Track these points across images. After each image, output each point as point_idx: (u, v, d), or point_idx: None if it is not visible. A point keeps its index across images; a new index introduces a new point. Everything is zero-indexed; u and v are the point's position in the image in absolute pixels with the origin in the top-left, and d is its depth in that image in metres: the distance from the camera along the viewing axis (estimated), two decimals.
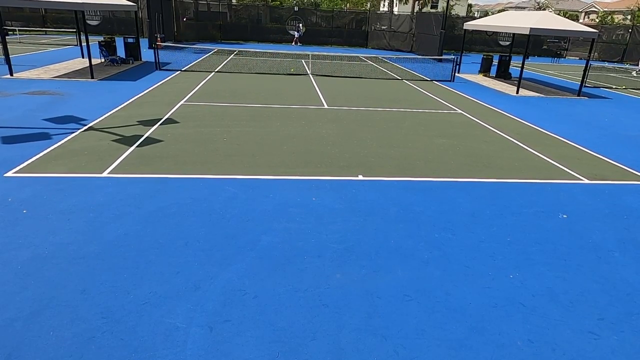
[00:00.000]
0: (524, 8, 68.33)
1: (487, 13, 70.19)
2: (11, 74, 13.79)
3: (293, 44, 33.37)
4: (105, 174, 6.57)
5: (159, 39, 20.37)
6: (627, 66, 25.32)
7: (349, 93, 14.58)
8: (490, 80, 19.92)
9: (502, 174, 7.64)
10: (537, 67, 27.18)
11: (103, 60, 17.58)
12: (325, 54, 26.10)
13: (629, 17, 47.78)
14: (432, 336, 3.66)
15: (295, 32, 33.68)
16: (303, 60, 22.68)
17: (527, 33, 15.58)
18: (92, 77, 14.22)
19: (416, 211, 5.97)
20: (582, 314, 4.06)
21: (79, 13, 18.59)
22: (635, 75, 24.32)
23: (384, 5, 59.56)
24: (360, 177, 7.05)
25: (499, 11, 53.69)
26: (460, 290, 4.30)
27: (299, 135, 9.22)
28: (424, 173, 7.47)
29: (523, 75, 17.08)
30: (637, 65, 25.59)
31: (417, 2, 43.80)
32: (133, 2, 20.27)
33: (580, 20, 64.15)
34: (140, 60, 19.09)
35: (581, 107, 14.57)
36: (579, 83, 17.30)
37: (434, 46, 26.58)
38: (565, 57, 36.24)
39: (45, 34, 29.64)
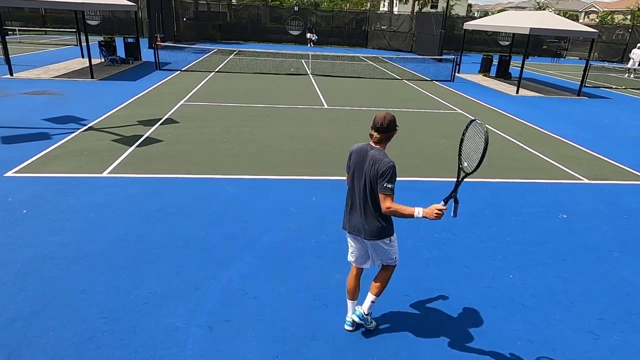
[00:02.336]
0: (524, 8, 68.34)
1: (487, 13, 70.16)
2: (11, 74, 13.79)
3: (309, 45, 33.59)
4: (105, 174, 6.57)
5: (158, 39, 20.36)
6: (627, 66, 25.26)
7: (349, 93, 14.58)
8: (490, 80, 19.92)
9: (502, 174, 7.64)
10: (537, 67, 27.18)
11: (103, 60, 17.59)
12: (325, 54, 26.09)
13: (629, 17, 47.77)
14: (432, 336, 3.66)
15: (312, 35, 33.83)
16: (303, 60, 22.68)
17: (527, 33, 15.59)
18: (92, 77, 14.23)
19: None
20: (582, 314, 4.06)
21: (79, 13, 18.61)
22: (627, 77, 24.26)
23: (383, 5, 59.57)
24: None
25: (499, 11, 53.67)
26: (460, 290, 4.30)
27: (299, 135, 9.21)
28: (424, 173, 7.47)
29: (523, 75, 17.08)
30: (627, 63, 25.44)
31: (417, 2, 43.79)
32: (133, 2, 20.27)
33: (580, 20, 64.14)
34: (140, 60, 19.09)
35: (581, 107, 14.57)
36: (579, 83, 17.31)
37: (434, 46, 26.57)
38: (565, 57, 36.24)
39: (45, 34, 29.64)
